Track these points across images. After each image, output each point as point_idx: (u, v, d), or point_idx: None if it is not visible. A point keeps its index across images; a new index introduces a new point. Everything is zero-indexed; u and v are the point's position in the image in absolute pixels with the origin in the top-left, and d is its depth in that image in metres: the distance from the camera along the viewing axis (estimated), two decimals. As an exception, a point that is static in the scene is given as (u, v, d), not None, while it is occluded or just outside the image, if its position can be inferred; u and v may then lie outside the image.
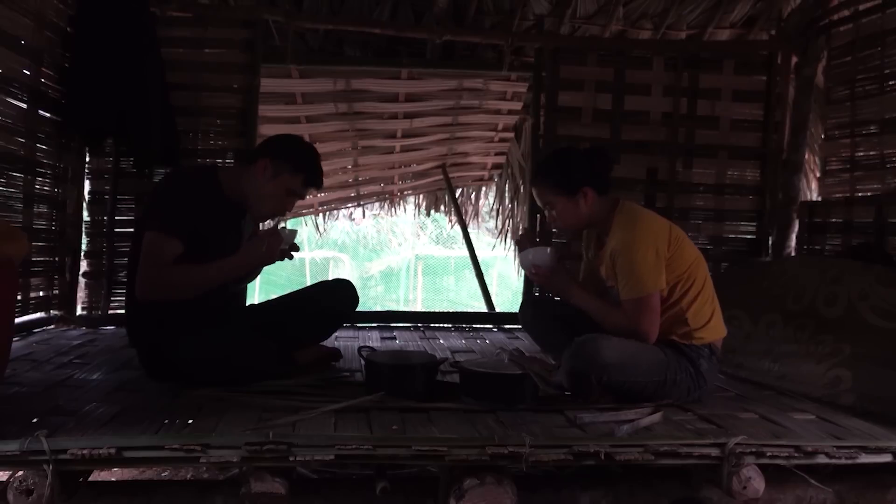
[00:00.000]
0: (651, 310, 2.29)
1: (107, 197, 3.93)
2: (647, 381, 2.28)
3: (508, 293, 11.63)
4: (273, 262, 2.36)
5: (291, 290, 2.86)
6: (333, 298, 2.77)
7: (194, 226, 2.34)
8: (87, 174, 3.92)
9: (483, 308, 6.34)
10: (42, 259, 3.58)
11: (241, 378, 2.32)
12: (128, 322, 2.57)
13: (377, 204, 7.56)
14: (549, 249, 2.45)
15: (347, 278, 2.96)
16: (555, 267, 2.44)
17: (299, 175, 2.43)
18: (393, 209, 7.70)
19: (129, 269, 2.50)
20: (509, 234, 6.77)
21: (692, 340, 2.36)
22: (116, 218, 3.94)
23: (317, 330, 2.80)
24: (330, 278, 3.19)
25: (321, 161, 2.52)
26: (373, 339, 3.66)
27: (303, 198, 2.54)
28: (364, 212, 7.83)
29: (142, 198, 3.82)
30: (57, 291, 3.74)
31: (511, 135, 6.21)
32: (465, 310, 10.41)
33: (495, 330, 4.13)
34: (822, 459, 1.90)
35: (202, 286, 2.34)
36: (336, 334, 3.25)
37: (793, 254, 4.19)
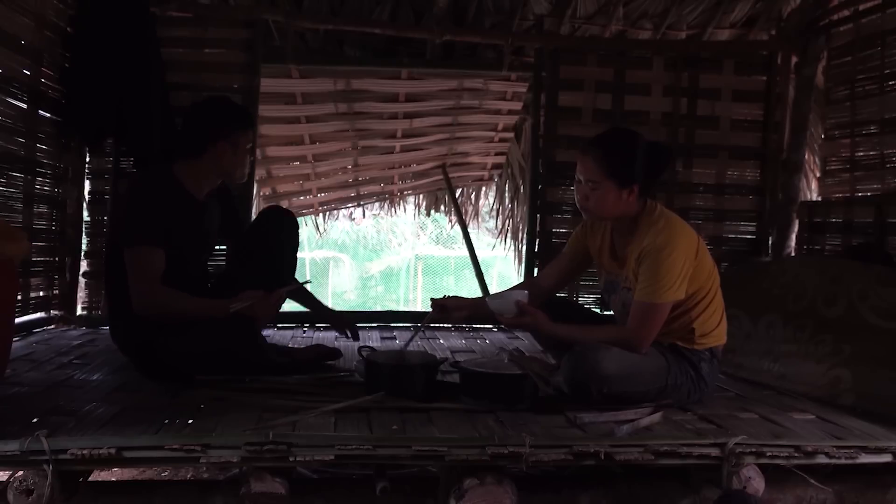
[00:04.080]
0: (657, 319, 2.25)
1: (107, 197, 3.93)
2: (647, 389, 2.26)
3: (508, 293, 11.58)
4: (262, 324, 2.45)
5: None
6: (276, 230, 2.67)
7: (167, 228, 2.40)
8: (87, 174, 3.92)
9: (483, 308, 6.32)
10: (42, 259, 3.58)
11: (235, 367, 2.34)
12: (114, 328, 2.64)
13: (377, 204, 7.55)
14: (512, 299, 2.32)
15: (278, 205, 2.98)
16: (518, 313, 2.30)
17: (247, 131, 2.62)
18: (393, 209, 7.68)
19: (107, 279, 2.60)
20: (509, 234, 6.76)
21: (694, 345, 2.35)
22: (116, 218, 3.94)
23: (275, 271, 2.65)
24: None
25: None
26: (373, 339, 3.66)
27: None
28: (364, 212, 7.81)
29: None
30: (57, 291, 3.73)
31: (511, 135, 6.20)
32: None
33: (495, 330, 4.13)
34: (822, 459, 1.90)
35: (192, 316, 2.39)
36: (336, 334, 3.25)
37: (793, 254, 4.19)
